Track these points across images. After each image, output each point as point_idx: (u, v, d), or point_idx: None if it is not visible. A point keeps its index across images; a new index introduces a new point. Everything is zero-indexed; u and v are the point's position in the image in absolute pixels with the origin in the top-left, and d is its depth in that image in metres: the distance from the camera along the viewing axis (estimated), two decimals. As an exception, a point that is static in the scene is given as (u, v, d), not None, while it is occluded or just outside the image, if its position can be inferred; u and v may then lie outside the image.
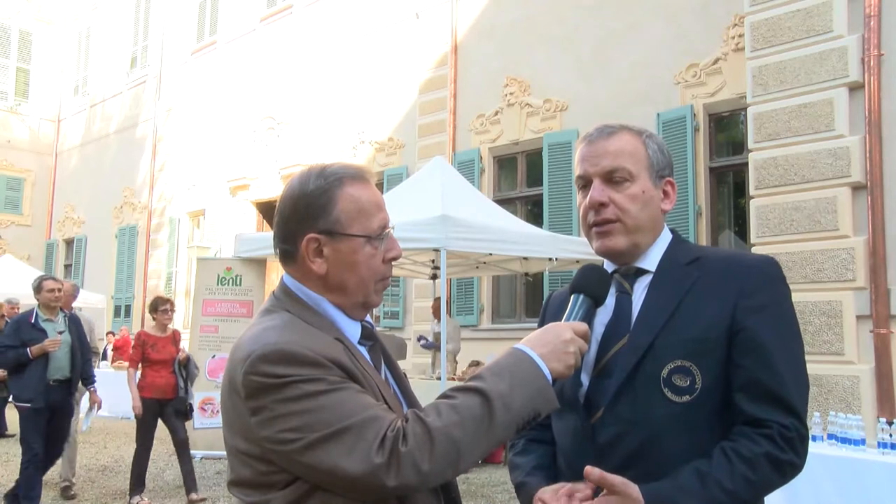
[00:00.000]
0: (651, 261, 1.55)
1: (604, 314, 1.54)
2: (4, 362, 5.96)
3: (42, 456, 5.83)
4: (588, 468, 1.34)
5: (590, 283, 1.49)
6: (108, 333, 15.03)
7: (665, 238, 1.58)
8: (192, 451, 6.67)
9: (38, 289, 6.06)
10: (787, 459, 1.37)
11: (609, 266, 1.60)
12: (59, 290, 6.17)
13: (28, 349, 5.79)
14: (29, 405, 5.77)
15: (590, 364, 1.51)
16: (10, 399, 6.13)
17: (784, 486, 1.43)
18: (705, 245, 8.10)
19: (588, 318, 1.45)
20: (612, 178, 1.51)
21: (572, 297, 1.48)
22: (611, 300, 1.54)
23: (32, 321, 5.99)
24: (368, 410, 1.24)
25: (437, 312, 9.29)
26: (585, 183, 1.56)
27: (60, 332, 6.00)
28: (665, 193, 1.57)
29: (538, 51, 10.22)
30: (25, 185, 20.81)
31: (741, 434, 1.39)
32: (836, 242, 5.91)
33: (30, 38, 21.30)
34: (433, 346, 9.01)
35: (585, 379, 1.51)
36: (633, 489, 1.33)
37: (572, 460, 1.51)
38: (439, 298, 9.73)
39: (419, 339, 9.37)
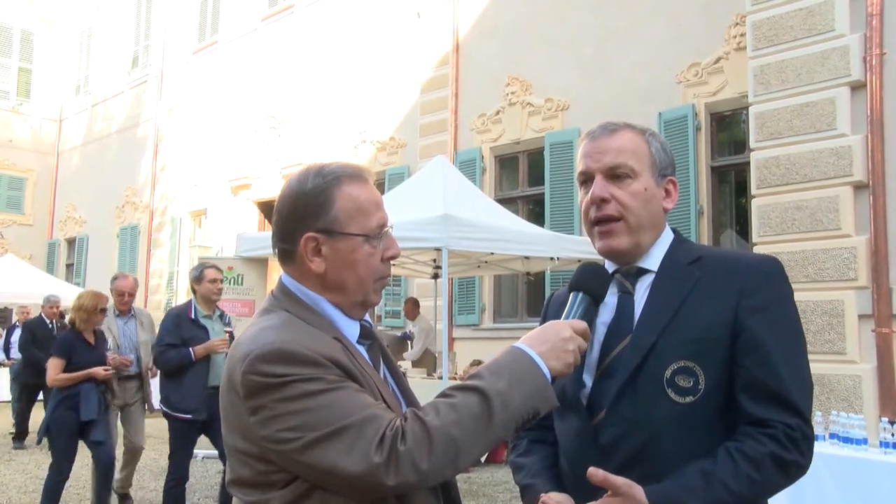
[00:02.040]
0: (653, 260, 1.55)
1: (606, 314, 1.53)
2: (166, 362, 5.07)
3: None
4: (591, 469, 1.34)
5: (588, 281, 1.49)
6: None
7: (667, 237, 1.58)
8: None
9: (198, 279, 5.23)
10: (792, 460, 1.36)
11: (610, 266, 1.59)
12: (222, 280, 5.33)
13: (191, 349, 5.00)
14: (190, 416, 4.96)
15: (592, 365, 1.51)
16: (160, 407, 5.27)
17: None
18: (707, 244, 8.09)
19: (587, 316, 1.44)
20: (615, 175, 1.51)
21: (571, 295, 1.48)
22: (612, 300, 1.54)
23: (192, 316, 5.17)
24: (367, 409, 1.23)
25: (409, 313, 10.04)
26: (587, 179, 1.55)
27: (227, 331, 5.21)
28: (667, 192, 1.57)
29: (539, 50, 10.21)
30: (27, 184, 20.83)
31: (745, 434, 1.38)
32: (837, 242, 5.90)
33: (31, 38, 21.32)
34: (407, 337, 10.02)
35: (588, 379, 1.51)
36: (638, 490, 1.33)
37: (574, 461, 1.50)
38: (412, 299, 10.01)
39: (401, 335, 10.05)
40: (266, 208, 14.04)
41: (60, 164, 20.89)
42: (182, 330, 5.09)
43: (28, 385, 9.66)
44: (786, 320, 1.45)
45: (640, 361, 1.43)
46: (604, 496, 1.35)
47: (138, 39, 18.65)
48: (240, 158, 14.63)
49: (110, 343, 5.80)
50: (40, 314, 10.10)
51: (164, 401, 5.17)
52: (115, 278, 6.33)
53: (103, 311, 5.46)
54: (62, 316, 9.92)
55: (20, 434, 9.61)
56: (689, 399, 1.41)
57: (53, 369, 5.19)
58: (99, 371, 5.24)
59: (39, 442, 5.47)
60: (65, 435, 5.14)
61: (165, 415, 5.16)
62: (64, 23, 21.36)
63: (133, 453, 6.13)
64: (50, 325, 9.80)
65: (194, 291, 5.31)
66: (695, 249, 1.57)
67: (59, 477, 5.17)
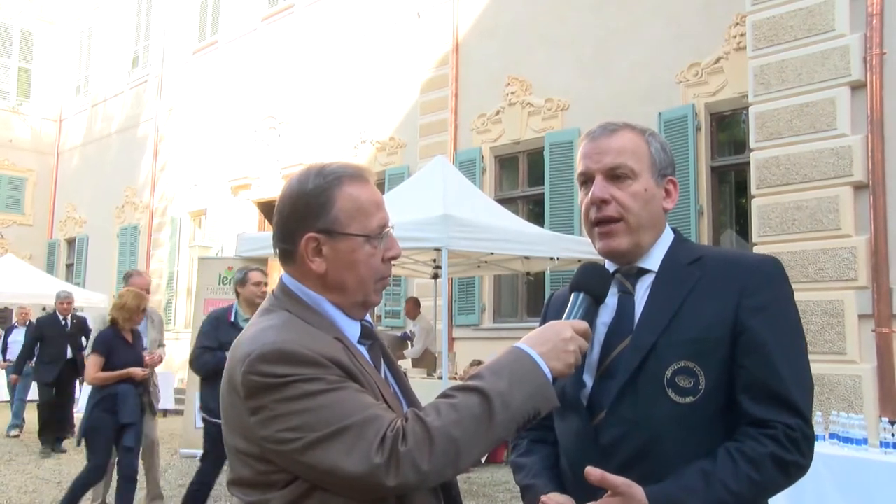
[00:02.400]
0: (653, 261, 1.54)
1: (606, 314, 1.53)
2: (202, 366, 5.00)
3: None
4: (588, 469, 1.34)
5: (589, 282, 1.48)
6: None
7: (667, 237, 1.57)
8: (193, 451, 6.35)
9: (241, 281, 5.17)
10: (792, 460, 1.36)
11: (611, 266, 1.59)
12: (266, 283, 5.23)
13: (226, 354, 5.08)
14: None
15: (593, 365, 1.50)
16: (199, 411, 5.25)
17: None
18: (707, 244, 8.09)
19: (588, 316, 1.44)
20: (615, 175, 1.51)
21: (572, 295, 1.48)
22: (613, 300, 1.54)
23: (232, 320, 5.10)
24: (368, 410, 1.23)
25: (410, 313, 10.07)
26: (587, 179, 1.55)
27: None
28: (667, 192, 1.56)
29: (539, 50, 10.21)
30: (27, 184, 20.82)
31: (746, 435, 1.38)
32: (837, 242, 5.90)
33: (31, 38, 21.31)
34: (407, 337, 10.01)
35: (589, 380, 1.50)
36: (637, 490, 1.33)
37: (575, 461, 1.50)
38: (413, 298, 10.02)
39: (401, 335, 10.06)
40: (266, 208, 14.04)
41: (60, 164, 20.88)
42: (220, 333, 4.99)
43: (47, 384, 9.24)
44: (786, 320, 1.44)
45: (640, 362, 1.43)
46: (604, 496, 1.35)
47: (138, 39, 18.64)
48: (240, 158, 14.63)
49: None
50: (54, 311, 9.68)
51: (203, 406, 5.14)
52: (129, 275, 6.20)
53: (144, 310, 5.45)
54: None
55: (61, 432, 9.15)
56: (689, 399, 1.40)
57: (93, 366, 5.12)
58: (137, 371, 5.19)
59: (79, 444, 5.43)
60: (104, 437, 5.10)
61: (204, 420, 5.12)
62: (64, 23, 21.35)
63: (149, 451, 6.00)
64: (63, 322, 9.38)
65: (237, 294, 5.24)
66: (695, 249, 1.56)
67: (92, 477, 5.13)
